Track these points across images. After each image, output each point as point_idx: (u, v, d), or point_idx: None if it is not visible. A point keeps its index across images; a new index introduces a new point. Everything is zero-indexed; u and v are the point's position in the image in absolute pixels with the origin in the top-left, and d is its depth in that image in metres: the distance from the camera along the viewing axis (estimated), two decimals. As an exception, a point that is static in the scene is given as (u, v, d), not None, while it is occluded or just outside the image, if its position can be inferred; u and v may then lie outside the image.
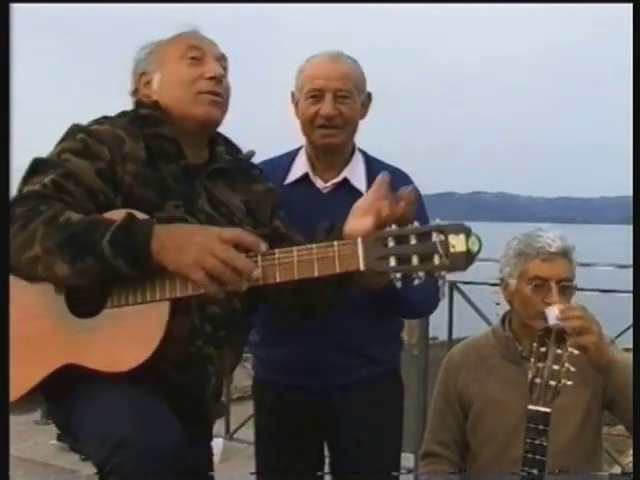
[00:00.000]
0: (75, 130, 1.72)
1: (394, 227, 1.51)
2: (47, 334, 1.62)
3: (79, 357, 1.58)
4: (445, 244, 1.46)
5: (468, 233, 1.46)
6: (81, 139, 1.69)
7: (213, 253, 1.47)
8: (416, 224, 1.52)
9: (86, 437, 1.58)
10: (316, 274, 1.52)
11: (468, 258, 1.46)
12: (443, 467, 2.23)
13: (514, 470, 1.98)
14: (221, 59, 1.86)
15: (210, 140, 1.89)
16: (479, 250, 1.47)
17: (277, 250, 1.54)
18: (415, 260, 1.46)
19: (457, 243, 1.46)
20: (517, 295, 2.14)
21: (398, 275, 1.48)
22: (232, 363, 1.85)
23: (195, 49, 1.82)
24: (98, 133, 1.70)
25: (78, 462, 3.88)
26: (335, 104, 2.09)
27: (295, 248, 1.54)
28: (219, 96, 1.81)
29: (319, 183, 2.19)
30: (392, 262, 1.47)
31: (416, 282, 1.49)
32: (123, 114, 1.82)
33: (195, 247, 1.49)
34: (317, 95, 2.10)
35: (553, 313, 1.90)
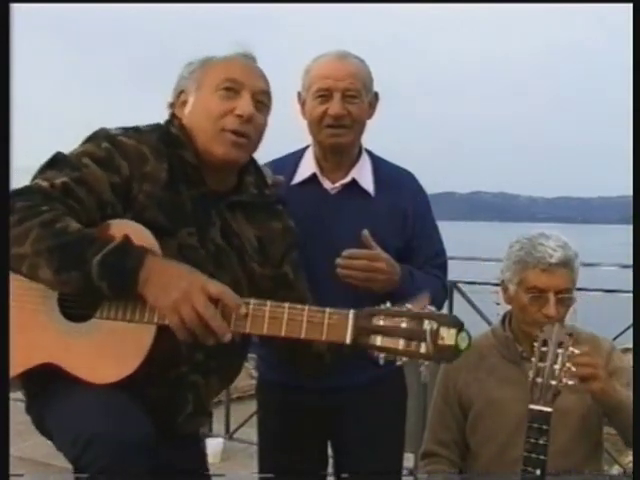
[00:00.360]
0: (102, 136, 1.68)
1: (389, 305, 1.48)
2: (36, 328, 1.62)
3: (61, 359, 1.58)
4: (435, 334, 1.44)
5: (460, 328, 1.45)
6: (106, 148, 1.65)
7: (192, 304, 1.46)
8: (409, 306, 1.48)
9: (59, 435, 1.59)
10: (302, 336, 1.51)
11: (455, 353, 1.45)
12: (443, 467, 2.23)
13: (514, 470, 1.99)
14: (261, 93, 1.78)
15: (241, 168, 1.84)
16: (467, 347, 1.46)
17: (269, 302, 1.52)
18: (402, 343, 1.45)
19: (447, 336, 1.44)
20: (515, 301, 2.15)
21: (382, 354, 1.48)
22: (218, 390, 1.84)
23: (232, 82, 1.75)
24: (123, 146, 1.67)
25: (78, 462, 3.89)
26: (344, 104, 2.08)
27: (287, 305, 1.52)
28: (244, 136, 1.74)
29: (327, 184, 2.18)
30: (378, 341, 1.47)
31: (398, 363, 1.48)
32: (156, 128, 1.78)
33: (177, 292, 1.47)
34: (325, 95, 2.09)
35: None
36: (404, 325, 1.45)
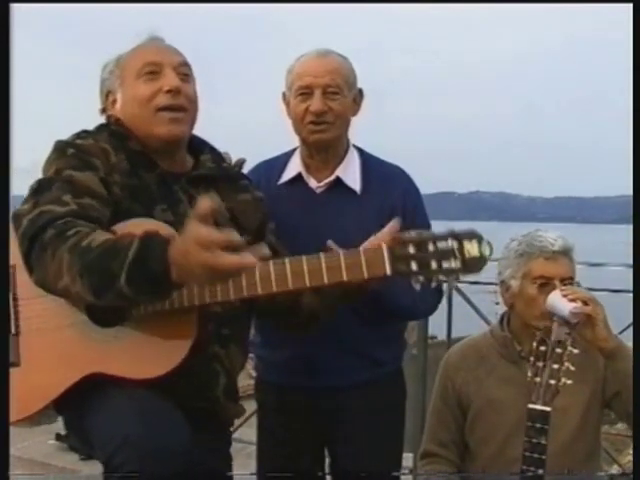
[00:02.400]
0: (63, 147, 1.71)
1: (413, 233, 1.62)
2: (70, 344, 1.63)
3: (105, 366, 1.59)
4: (461, 249, 1.58)
5: (480, 239, 1.59)
6: (73, 154, 1.69)
7: (216, 271, 1.36)
8: (432, 231, 1.64)
9: (96, 436, 1.59)
10: (345, 279, 1.61)
11: (481, 262, 1.60)
12: (441, 467, 2.23)
13: (513, 470, 1.99)
14: (181, 66, 1.81)
15: (195, 149, 1.89)
16: (490, 255, 1.61)
17: (304, 257, 1.60)
18: (434, 264, 1.59)
19: (471, 248, 1.58)
20: (520, 296, 2.14)
21: (420, 278, 1.60)
22: (241, 361, 1.86)
23: (151, 64, 1.78)
24: (85, 147, 1.71)
25: (77, 462, 3.89)
26: (324, 100, 2.07)
27: (323, 255, 1.61)
28: (179, 110, 1.77)
29: (312, 183, 2.17)
30: (413, 266, 1.59)
31: (434, 284, 1.63)
32: (101, 127, 1.82)
33: (199, 273, 1.37)
34: (306, 92, 2.09)
35: (558, 301, 1.94)
36: (432, 248, 1.59)
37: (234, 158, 2.06)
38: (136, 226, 1.58)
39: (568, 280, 2.08)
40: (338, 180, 2.16)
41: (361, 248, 1.64)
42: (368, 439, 2.17)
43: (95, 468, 3.97)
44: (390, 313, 2.12)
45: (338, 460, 2.25)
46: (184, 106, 1.78)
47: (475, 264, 1.59)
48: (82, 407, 1.62)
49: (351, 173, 2.17)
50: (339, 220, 2.08)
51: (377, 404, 2.17)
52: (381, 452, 2.19)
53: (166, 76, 1.77)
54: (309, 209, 2.13)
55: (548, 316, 1.99)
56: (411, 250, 1.59)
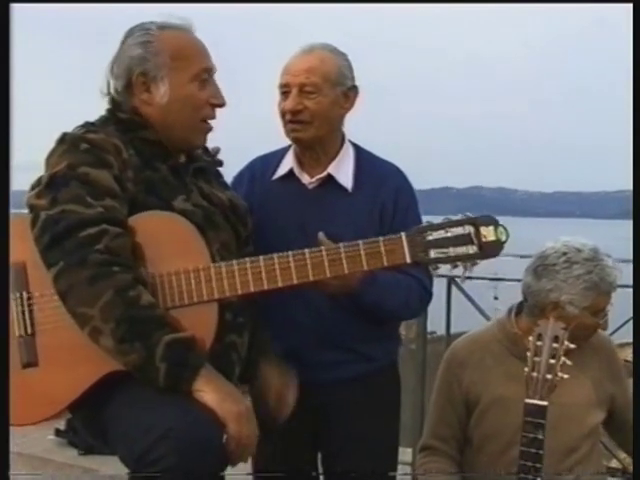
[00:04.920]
0: (74, 140, 1.68)
1: (429, 221, 1.68)
2: (88, 342, 1.60)
3: None
4: (477, 235, 1.63)
5: (496, 224, 1.64)
6: (87, 150, 1.66)
7: (253, 425, 1.60)
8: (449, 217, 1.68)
9: (122, 430, 1.57)
10: (365, 268, 1.68)
11: (498, 246, 1.65)
12: (440, 460, 2.21)
13: (517, 468, 1.99)
14: (214, 73, 1.84)
15: None
16: (507, 239, 1.65)
17: (323, 247, 1.67)
18: (452, 250, 1.64)
19: (487, 233, 1.64)
20: (573, 320, 2.02)
21: (439, 265, 1.68)
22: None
23: (207, 72, 1.79)
24: (98, 142, 1.68)
25: (76, 457, 3.90)
26: (301, 99, 2.06)
27: (341, 245, 1.67)
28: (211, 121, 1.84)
29: (305, 179, 2.16)
30: (432, 254, 1.65)
31: (452, 271, 1.71)
32: (105, 120, 1.79)
33: (243, 407, 1.58)
34: (286, 90, 2.09)
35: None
36: (449, 235, 1.64)
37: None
38: (153, 218, 1.64)
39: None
40: (330, 177, 2.15)
41: (380, 237, 1.68)
42: (359, 435, 2.14)
43: (94, 463, 3.99)
44: (380, 314, 2.11)
45: (328, 456, 2.23)
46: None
47: (492, 248, 1.64)
48: (101, 403, 1.61)
49: (344, 170, 2.15)
50: (330, 216, 2.07)
51: (367, 400, 2.15)
52: (372, 449, 2.17)
53: (214, 87, 1.81)
54: (300, 205, 2.13)
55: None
56: (429, 237, 1.65)
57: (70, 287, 1.55)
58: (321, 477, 2.29)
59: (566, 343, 1.85)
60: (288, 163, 2.18)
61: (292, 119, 2.08)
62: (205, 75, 1.78)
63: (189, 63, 1.77)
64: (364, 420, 2.15)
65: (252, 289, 1.66)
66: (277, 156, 2.23)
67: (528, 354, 1.87)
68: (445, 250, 1.64)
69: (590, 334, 2.13)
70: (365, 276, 1.90)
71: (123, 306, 1.52)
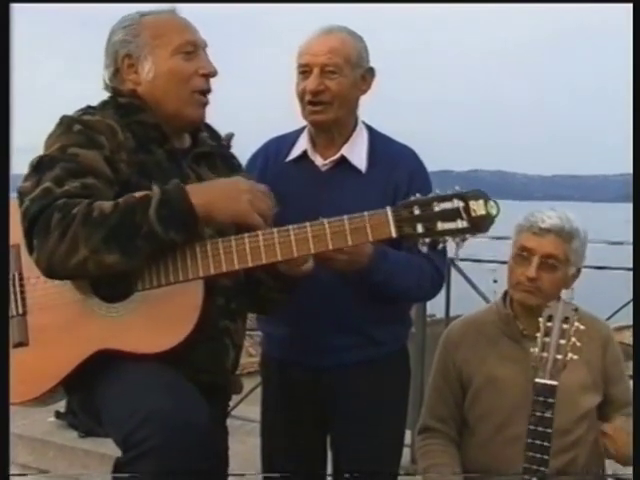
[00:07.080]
0: (69, 122, 1.70)
1: (418, 195, 1.62)
2: (78, 321, 1.63)
3: (114, 341, 1.60)
4: (466, 209, 1.58)
5: (486, 198, 1.59)
6: (80, 131, 1.68)
7: (261, 196, 1.65)
8: (437, 191, 1.63)
9: (111, 412, 1.59)
10: (350, 243, 1.64)
11: (488, 221, 1.59)
12: (439, 441, 2.21)
13: (511, 447, 2.00)
14: (206, 47, 1.83)
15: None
16: (497, 214, 1.60)
17: (308, 223, 1.63)
18: (440, 225, 1.59)
19: (477, 208, 1.58)
20: (508, 266, 2.15)
21: (427, 240, 1.61)
22: (244, 336, 1.89)
23: (191, 44, 1.79)
24: (93, 123, 1.69)
25: (76, 439, 3.91)
26: (322, 79, 2.04)
27: (326, 220, 1.63)
28: (208, 94, 1.82)
29: (318, 160, 2.16)
30: (419, 228, 1.60)
31: (440, 246, 1.63)
32: (105, 104, 1.80)
33: (243, 194, 1.62)
34: (306, 71, 2.07)
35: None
36: (437, 208, 1.59)
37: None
38: None
39: (551, 258, 2.06)
40: (343, 158, 2.14)
41: (365, 212, 1.64)
42: (366, 419, 2.15)
43: (94, 445, 4.01)
44: (391, 294, 2.11)
45: (337, 439, 2.24)
46: (210, 90, 1.83)
47: (482, 223, 1.59)
48: (94, 384, 1.62)
49: (357, 152, 2.15)
50: (342, 198, 2.06)
51: (376, 384, 2.16)
52: (380, 433, 2.18)
53: (202, 58, 1.80)
54: (313, 186, 2.12)
55: (521, 286, 2.06)
56: (416, 211, 1.60)
57: (48, 256, 1.55)
58: (329, 479, 2.30)
59: (576, 324, 1.87)
60: (302, 145, 2.18)
61: (312, 100, 2.06)
62: (189, 47, 1.78)
63: (169, 38, 1.78)
64: (372, 403, 2.16)
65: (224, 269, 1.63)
66: (291, 137, 2.22)
67: (538, 335, 1.89)
68: (433, 225, 1.59)
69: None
70: (376, 253, 1.91)
71: (97, 227, 1.53)
